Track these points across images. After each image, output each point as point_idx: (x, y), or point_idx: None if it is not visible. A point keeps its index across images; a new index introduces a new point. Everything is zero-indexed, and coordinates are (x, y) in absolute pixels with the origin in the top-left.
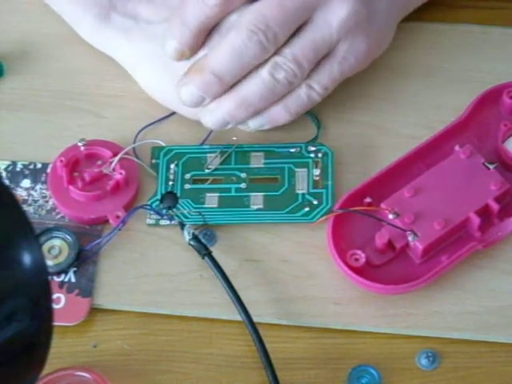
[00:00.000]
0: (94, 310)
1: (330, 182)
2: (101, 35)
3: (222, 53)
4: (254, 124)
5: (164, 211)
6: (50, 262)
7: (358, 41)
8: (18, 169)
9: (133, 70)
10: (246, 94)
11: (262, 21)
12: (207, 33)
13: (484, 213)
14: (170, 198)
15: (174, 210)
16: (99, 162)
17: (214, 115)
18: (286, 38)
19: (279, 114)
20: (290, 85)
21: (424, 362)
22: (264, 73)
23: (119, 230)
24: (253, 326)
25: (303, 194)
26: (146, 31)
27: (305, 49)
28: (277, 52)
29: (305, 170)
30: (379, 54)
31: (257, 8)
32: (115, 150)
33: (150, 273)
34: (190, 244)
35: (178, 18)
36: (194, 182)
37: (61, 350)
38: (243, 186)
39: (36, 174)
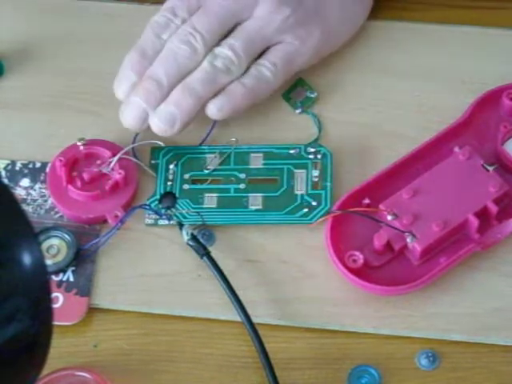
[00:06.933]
0: (94, 310)
1: (328, 183)
2: None
3: (159, 59)
4: (215, 105)
5: (163, 211)
6: (48, 261)
7: (301, 31)
8: (17, 168)
9: None
10: (189, 80)
11: (190, 26)
12: None
13: (483, 215)
14: (168, 198)
15: (173, 209)
16: (98, 162)
17: (161, 110)
18: (214, 38)
19: (235, 88)
20: (228, 72)
21: (424, 362)
22: (205, 62)
23: (118, 229)
24: (252, 326)
25: (302, 195)
26: None
27: (239, 39)
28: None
29: (304, 171)
30: (335, 44)
31: (188, 21)
32: (114, 149)
33: (148, 272)
34: (188, 244)
35: None
36: (193, 182)
37: (61, 350)
38: (242, 186)
39: (35, 173)
